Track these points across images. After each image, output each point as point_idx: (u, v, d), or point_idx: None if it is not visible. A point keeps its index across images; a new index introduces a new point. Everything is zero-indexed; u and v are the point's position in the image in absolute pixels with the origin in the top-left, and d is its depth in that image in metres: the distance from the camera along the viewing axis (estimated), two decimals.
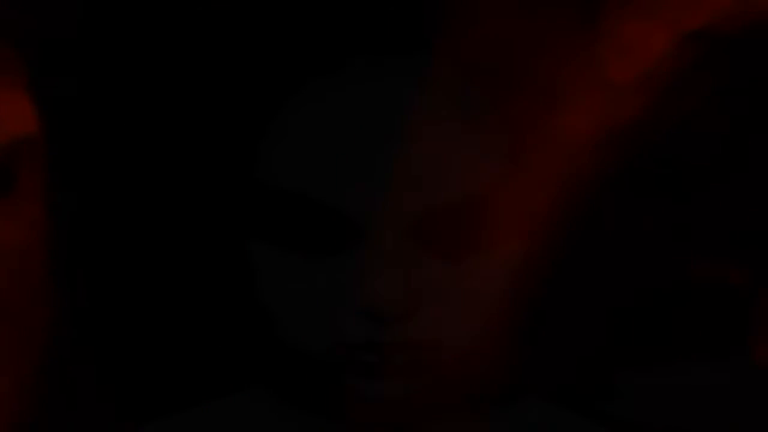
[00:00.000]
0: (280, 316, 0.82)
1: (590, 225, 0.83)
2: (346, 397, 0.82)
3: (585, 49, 0.75)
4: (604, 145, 0.76)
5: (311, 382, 0.86)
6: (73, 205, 1.11)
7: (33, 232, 1.05)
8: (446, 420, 0.88)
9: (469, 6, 0.77)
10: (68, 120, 1.06)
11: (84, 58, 1.00)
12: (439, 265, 0.79)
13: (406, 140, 0.77)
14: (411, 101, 0.78)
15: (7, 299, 1.01)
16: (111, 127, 1.04)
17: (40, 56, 0.87)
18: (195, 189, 0.87)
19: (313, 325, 0.81)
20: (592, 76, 0.75)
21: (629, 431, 0.98)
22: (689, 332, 0.90)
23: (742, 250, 0.88)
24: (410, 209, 0.78)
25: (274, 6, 0.82)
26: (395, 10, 0.80)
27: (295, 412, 0.88)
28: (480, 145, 0.79)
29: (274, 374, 0.89)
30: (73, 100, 1.05)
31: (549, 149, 0.74)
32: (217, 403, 0.92)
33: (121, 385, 1.09)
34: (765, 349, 0.84)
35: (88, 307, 1.10)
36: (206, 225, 0.87)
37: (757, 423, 0.92)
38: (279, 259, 0.81)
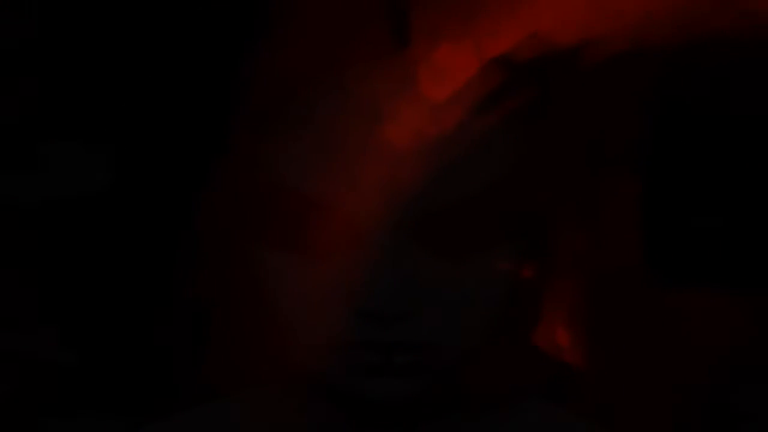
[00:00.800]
0: (281, 317, 0.82)
1: None
2: (348, 396, 0.83)
3: (402, 71, 0.82)
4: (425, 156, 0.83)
5: (313, 382, 0.86)
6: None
7: None
8: (447, 420, 0.88)
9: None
10: None
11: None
12: (439, 265, 0.80)
13: (406, 141, 0.78)
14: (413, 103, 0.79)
15: None
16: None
17: None
18: (196, 188, 0.86)
19: (314, 326, 0.81)
20: (410, 94, 0.82)
21: None
22: None
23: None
24: (410, 209, 0.79)
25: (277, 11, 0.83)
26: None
27: (296, 412, 0.88)
28: (480, 145, 0.81)
29: (276, 373, 0.88)
30: None
31: (371, 159, 0.80)
32: (217, 403, 0.92)
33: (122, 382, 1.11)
34: (545, 330, 0.92)
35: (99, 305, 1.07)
36: (208, 222, 0.87)
37: None
38: (279, 260, 0.81)
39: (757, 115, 0.98)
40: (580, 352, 0.93)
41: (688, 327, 1.12)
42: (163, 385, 1.14)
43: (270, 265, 0.82)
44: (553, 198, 0.87)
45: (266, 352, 0.87)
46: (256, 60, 0.82)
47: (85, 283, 1.16)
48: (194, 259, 0.88)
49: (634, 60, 0.87)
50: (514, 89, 0.84)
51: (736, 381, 1.25)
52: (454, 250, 0.80)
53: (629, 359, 1.01)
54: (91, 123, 1.13)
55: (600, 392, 0.99)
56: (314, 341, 0.82)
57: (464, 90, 0.82)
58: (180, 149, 1.09)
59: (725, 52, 0.84)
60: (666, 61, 0.87)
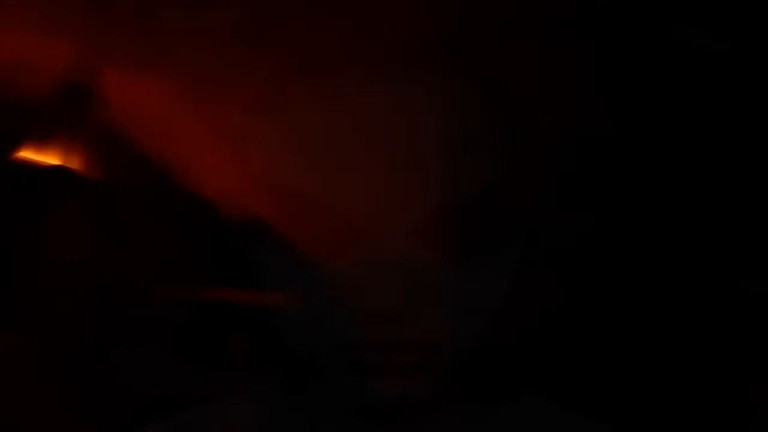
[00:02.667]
0: (284, 317, 0.82)
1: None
2: (349, 396, 0.81)
3: None
4: None
5: (314, 381, 0.85)
6: None
7: None
8: (446, 418, 0.86)
9: None
10: None
11: None
12: (440, 266, 0.79)
13: (407, 141, 0.78)
14: (411, 103, 0.78)
15: None
16: None
17: None
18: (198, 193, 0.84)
19: (315, 325, 0.80)
20: None
21: None
22: None
23: None
24: (410, 209, 0.78)
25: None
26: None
27: (297, 411, 0.87)
28: (480, 146, 0.79)
29: (277, 373, 0.88)
30: None
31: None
32: (217, 402, 0.90)
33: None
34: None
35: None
36: (213, 227, 0.86)
37: None
38: (281, 260, 0.81)
39: None
40: None
41: None
42: None
43: (271, 265, 0.82)
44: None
45: (270, 351, 0.87)
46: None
47: None
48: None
49: None
50: None
51: None
52: (454, 250, 0.79)
53: None
54: None
55: None
56: (315, 341, 0.81)
57: None
58: None
59: None
60: None
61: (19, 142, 0.99)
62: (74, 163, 1.02)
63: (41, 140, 1.01)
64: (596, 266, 1.01)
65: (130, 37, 0.84)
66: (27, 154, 1.02)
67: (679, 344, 1.13)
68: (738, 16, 1.04)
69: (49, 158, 1.03)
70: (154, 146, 0.86)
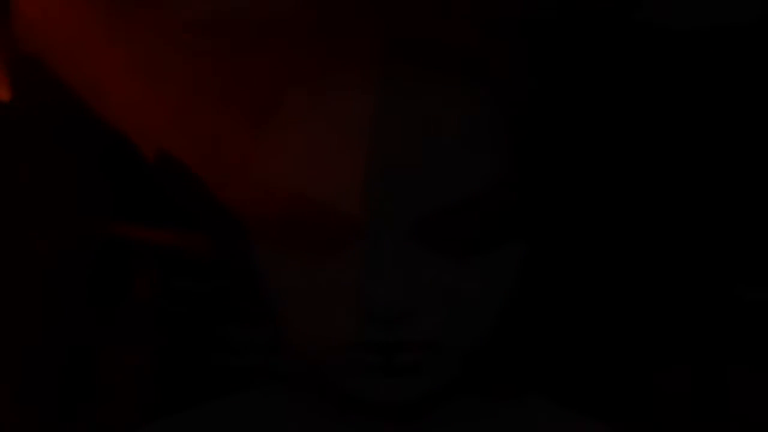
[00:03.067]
0: (283, 316, 0.82)
1: None
2: (350, 396, 0.81)
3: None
4: None
5: (315, 382, 0.85)
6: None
7: None
8: (447, 419, 0.87)
9: None
10: None
11: None
12: (440, 265, 0.78)
13: (406, 140, 0.77)
14: (410, 101, 0.78)
15: None
16: None
17: None
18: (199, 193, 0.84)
19: (315, 325, 0.80)
20: None
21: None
22: None
23: None
24: (410, 209, 0.77)
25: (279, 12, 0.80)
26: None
27: (298, 412, 0.88)
28: (480, 145, 0.79)
29: (277, 373, 0.89)
30: None
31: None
32: (218, 402, 0.90)
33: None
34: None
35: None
36: (214, 225, 0.85)
37: None
38: (280, 260, 0.80)
39: None
40: None
41: None
42: None
43: (270, 265, 0.81)
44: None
45: (270, 351, 0.88)
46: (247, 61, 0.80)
47: None
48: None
49: None
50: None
51: None
52: (455, 250, 0.79)
53: None
54: None
55: None
56: (314, 341, 0.80)
57: None
58: None
59: None
60: None
61: None
62: None
63: None
64: (594, 268, 1.02)
65: None
66: None
67: (675, 349, 1.13)
68: None
69: None
70: (66, 69, 0.84)
